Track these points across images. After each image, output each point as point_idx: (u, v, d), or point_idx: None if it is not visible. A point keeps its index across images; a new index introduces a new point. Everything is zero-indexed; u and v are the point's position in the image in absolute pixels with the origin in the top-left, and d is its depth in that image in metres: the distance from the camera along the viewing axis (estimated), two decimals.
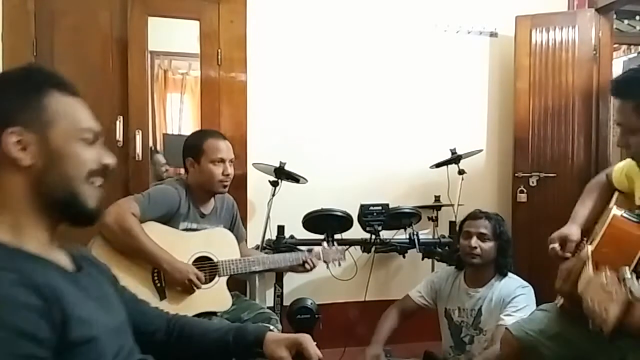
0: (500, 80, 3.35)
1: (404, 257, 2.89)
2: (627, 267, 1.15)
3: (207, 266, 2.02)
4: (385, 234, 2.69)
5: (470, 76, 3.31)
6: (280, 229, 2.70)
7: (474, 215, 2.18)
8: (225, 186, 2.12)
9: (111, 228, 1.80)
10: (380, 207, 2.57)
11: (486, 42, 3.33)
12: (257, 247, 2.62)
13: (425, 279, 2.39)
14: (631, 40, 3.85)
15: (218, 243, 2.08)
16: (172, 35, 2.96)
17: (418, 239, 2.69)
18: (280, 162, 2.59)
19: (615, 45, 3.76)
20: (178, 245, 1.95)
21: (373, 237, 2.61)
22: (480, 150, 3.07)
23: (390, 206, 2.62)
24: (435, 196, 3.01)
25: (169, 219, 2.00)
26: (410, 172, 3.18)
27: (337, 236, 2.57)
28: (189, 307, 1.91)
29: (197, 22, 2.79)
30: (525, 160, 3.20)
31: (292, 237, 2.72)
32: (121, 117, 2.66)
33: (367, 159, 3.13)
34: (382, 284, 3.17)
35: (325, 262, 2.34)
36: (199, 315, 1.88)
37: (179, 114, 3.19)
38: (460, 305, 2.19)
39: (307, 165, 2.82)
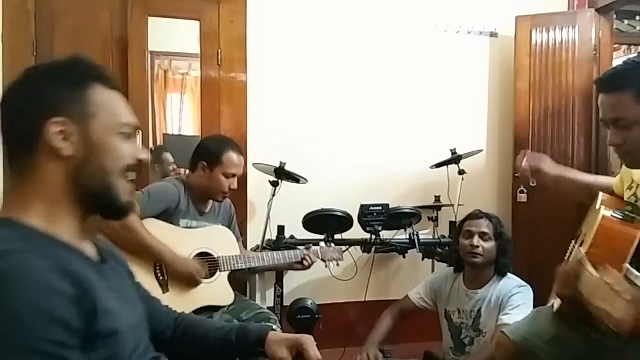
0: (500, 80, 3.35)
1: (404, 257, 2.89)
2: (628, 265, 1.15)
3: (207, 261, 2.05)
4: (385, 234, 2.69)
5: (470, 76, 3.31)
6: (280, 229, 2.70)
7: (475, 215, 2.18)
8: (225, 197, 2.18)
9: (111, 225, 1.79)
10: (380, 207, 2.57)
11: (486, 42, 3.33)
12: (257, 247, 2.62)
13: (425, 280, 2.39)
14: (631, 40, 3.84)
15: (218, 239, 2.12)
16: (172, 35, 2.96)
17: (418, 239, 2.69)
18: (280, 162, 2.59)
19: (615, 45, 3.75)
20: (179, 242, 1.98)
21: (373, 237, 2.61)
22: (480, 150, 3.07)
23: (390, 206, 2.62)
24: (435, 196, 3.01)
25: (169, 215, 2.02)
26: (410, 172, 3.18)
27: (337, 236, 2.57)
28: (191, 300, 1.94)
29: (197, 22, 2.80)
30: None
31: (292, 237, 2.72)
32: None
33: (367, 159, 3.13)
34: (382, 284, 3.17)
35: (323, 260, 2.36)
36: (201, 308, 1.93)
37: (179, 114, 3.18)
38: (459, 307, 2.19)
39: (307, 165, 2.82)
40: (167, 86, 3.17)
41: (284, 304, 2.65)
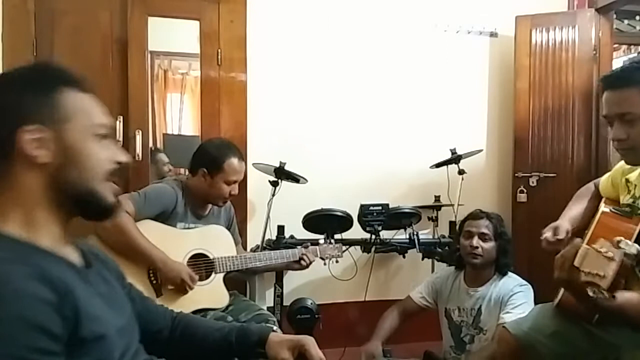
0: (500, 80, 3.35)
1: (404, 257, 2.89)
2: (622, 238, 1.18)
3: (203, 263, 2.03)
4: (385, 234, 2.69)
5: (470, 76, 3.31)
6: (280, 229, 2.70)
7: (475, 215, 2.18)
8: (225, 202, 2.16)
9: (105, 226, 1.79)
10: (380, 207, 2.57)
11: (486, 42, 3.33)
12: (257, 247, 2.62)
13: (426, 280, 2.40)
14: (631, 40, 3.85)
15: (214, 240, 2.09)
16: (172, 35, 2.96)
17: (418, 239, 2.69)
18: (280, 162, 2.59)
19: (615, 45, 3.75)
20: (174, 243, 1.96)
21: (373, 237, 2.61)
22: (480, 150, 3.07)
23: (390, 206, 2.62)
24: (435, 196, 3.01)
25: (166, 218, 2.00)
26: (410, 172, 3.18)
27: (337, 236, 2.57)
28: (185, 304, 1.91)
29: (197, 22, 2.80)
30: (525, 160, 3.20)
31: (292, 237, 2.72)
32: (121, 117, 2.66)
33: (367, 158, 3.13)
34: (382, 284, 3.17)
35: (322, 258, 2.35)
36: (196, 312, 1.89)
37: (179, 114, 3.18)
38: (460, 305, 2.20)
39: (307, 165, 2.82)
40: (167, 86, 3.17)
41: (284, 304, 2.65)
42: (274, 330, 1.14)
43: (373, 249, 2.75)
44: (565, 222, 1.59)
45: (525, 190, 3.19)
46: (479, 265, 2.13)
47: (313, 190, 2.82)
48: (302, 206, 2.64)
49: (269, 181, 2.62)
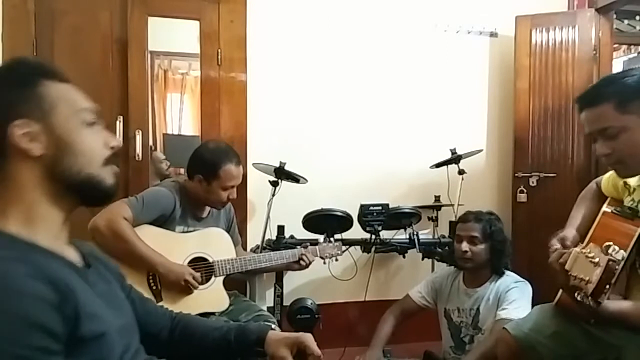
0: (500, 80, 3.35)
1: (404, 257, 2.89)
2: (611, 243, 1.19)
3: (202, 267, 2.01)
4: (385, 234, 2.69)
5: (470, 76, 3.31)
6: (280, 229, 2.70)
7: (464, 218, 2.17)
8: (224, 206, 2.15)
9: (103, 233, 1.78)
10: (380, 207, 2.57)
11: (486, 42, 3.33)
12: (257, 247, 2.62)
13: (425, 279, 2.39)
14: (631, 40, 3.85)
15: (213, 243, 2.07)
16: (172, 35, 2.96)
17: (418, 239, 2.69)
18: (280, 162, 2.59)
19: (615, 45, 3.76)
20: (173, 247, 1.94)
21: (373, 237, 2.61)
22: (480, 150, 3.07)
23: (390, 206, 2.62)
24: (435, 196, 3.01)
25: (164, 222, 1.98)
26: (410, 172, 3.18)
27: (337, 236, 2.56)
28: (185, 308, 1.87)
29: (197, 22, 2.80)
30: (525, 160, 3.20)
31: (292, 237, 2.72)
32: (121, 117, 2.66)
33: (367, 158, 3.13)
34: (382, 284, 3.17)
35: (322, 257, 2.34)
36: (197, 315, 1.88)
37: (179, 114, 3.18)
38: (459, 306, 2.20)
39: (307, 165, 2.82)
40: (167, 86, 3.17)
41: (284, 304, 2.65)
42: (272, 329, 1.14)
43: (373, 249, 2.75)
44: (570, 229, 1.58)
45: (525, 190, 3.19)
46: (470, 268, 2.13)
47: (313, 190, 2.82)
48: (302, 206, 2.64)
49: (269, 181, 2.62)
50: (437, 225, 3.00)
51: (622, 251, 1.20)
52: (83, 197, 0.89)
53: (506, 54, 3.27)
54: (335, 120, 3.09)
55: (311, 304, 2.57)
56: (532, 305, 1.97)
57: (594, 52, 3.12)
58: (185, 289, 1.92)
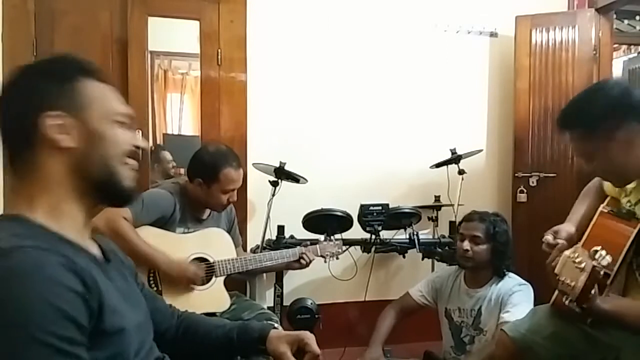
0: (500, 80, 3.35)
1: (404, 257, 2.89)
2: (598, 248, 1.22)
3: (203, 267, 2.01)
4: (385, 234, 2.69)
5: (470, 76, 3.31)
6: (280, 229, 2.70)
7: (469, 217, 2.17)
8: (224, 209, 2.14)
9: (102, 232, 1.76)
10: (380, 207, 2.57)
11: (486, 42, 3.33)
12: (257, 247, 2.62)
13: (426, 278, 2.39)
14: (631, 40, 3.85)
15: (213, 243, 2.07)
16: (172, 35, 2.96)
17: (418, 239, 2.69)
18: (280, 162, 2.59)
19: (615, 45, 3.76)
20: (173, 248, 1.94)
21: (373, 237, 2.61)
22: (480, 150, 3.07)
23: (390, 206, 2.62)
24: (435, 196, 3.01)
25: (164, 223, 1.98)
26: (410, 172, 3.18)
27: (337, 236, 2.56)
28: (186, 309, 1.89)
29: (197, 22, 2.80)
30: (525, 160, 3.20)
31: (292, 237, 2.72)
32: None
33: (367, 158, 3.13)
34: (382, 284, 3.17)
35: (322, 256, 2.34)
36: None
37: (179, 114, 3.18)
38: (460, 306, 2.19)
39: (307, 165, 2.82)
40: (167, 86, 3.17)
41: (284, 304, 2.65)
42: (274, 327, 1.16)
43: (373, 249, 2.75)
44: (569, 224, 1.59)
45: (525, 190, 3.19)
46: (471, 267, 2.13)
47: (313, 190, 2.82)
48: (302, 206, 2.64)
49: (269, 181, 2.62)
50: (437, 225, 3.00)
51: (607, 257, 1.21)
52: (103, 195, 0.91)
53: (506, 54, 3.27)
54: (335, 120, 3.09)
55: (311, 304, 2.57)
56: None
57: (594, 52, 3.12)
58: (187, 288, 1.92)
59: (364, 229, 2.60)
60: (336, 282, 2.88)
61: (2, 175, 2.31)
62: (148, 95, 2.78)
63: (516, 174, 3.22)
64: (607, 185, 1.65)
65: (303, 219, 2.60)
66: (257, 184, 2.76)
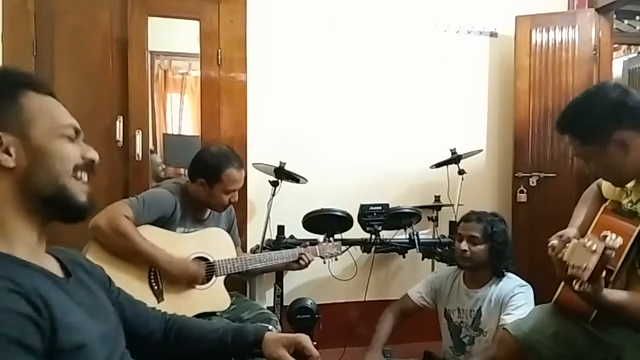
0: (500, 80, 3.35)
1: (404, 257, 2.89)
2: (608, 233, 1.23)
3: (204, 266, 2.01)
4: (385, 234, 2.69)
5: (470, 76, 3.31)
6: (280, 229, 2.70)
7: (467, 218, 2.17)
8: (225, 209, 2.14)
9: (104, 231, 1.78)
10: (380, 207, 2.57)
11: (486, 42, 3.33)
12: (257, 247, 2.62)
13: (425, 278, 2.39)
14: (631, 40, 3.85)
15: (213, 243, 2.08)
16: (172, 35, 2.96)
17: (418, 239, 2.69)
18: (280, 162, 2.59)
19: (615, 45, 3.76)
20: (173, 247, 1.94)
21: (373, 237, 2.61)
22: (480, 150, 3.07)
23: (390, 206, 2.62)
24: (435, 196, 3.01)
25: (164, 223, 1.98)
26: (410, 172, 3.18)
27: (337, 236, 2.57)
28: (187, 308, 1.89)
29: (197, 22, 2.80)
30: (525, 160, 3.20)
31: (292, 237, 2.72)
32: (121, 117, 2.66)
33: (367, 159, 3.13)
34: (382, 284, 3.17)
35: (321, 257, 2.34)
36: (197, 316, 1.87)
37: (179, 114, 3.18)
38: (459, 306, 2.19)
39: (307, 165, 2.82)
40: (167, 86, 3.17)
41: (284, 304, 2.65)
42: (269, 330, 1.14)
43: (373, 249, 2.75)
44: (573, 229, 1.60)
45: (525, 190, 3.19)
46: (470, 267, 2.13)
47: (313, 190, 2.82)
48: (302, 206, 2.64)
49: (269, 181, 2.62)
50: (437, 225, 3.00)
51: (619, 238, 1.21)
52: (55, 212, 0.87)
53: (506, 54, 3.27)
54: (335, 121, 3.09)
55: (311, 304, 2.57)
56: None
57: (594, 52, 3.12)
58: (187, 287, 1.92)
59: (364, 229, 2.60)
60: (336, 282, 2.88)
61: None
62: (148, 95, 2.77)
63: (516, 174, 3.22)
64: (606, 190, 1.66)
65: (303, 219, 2.60)
66: (257, 184, 2.76)
